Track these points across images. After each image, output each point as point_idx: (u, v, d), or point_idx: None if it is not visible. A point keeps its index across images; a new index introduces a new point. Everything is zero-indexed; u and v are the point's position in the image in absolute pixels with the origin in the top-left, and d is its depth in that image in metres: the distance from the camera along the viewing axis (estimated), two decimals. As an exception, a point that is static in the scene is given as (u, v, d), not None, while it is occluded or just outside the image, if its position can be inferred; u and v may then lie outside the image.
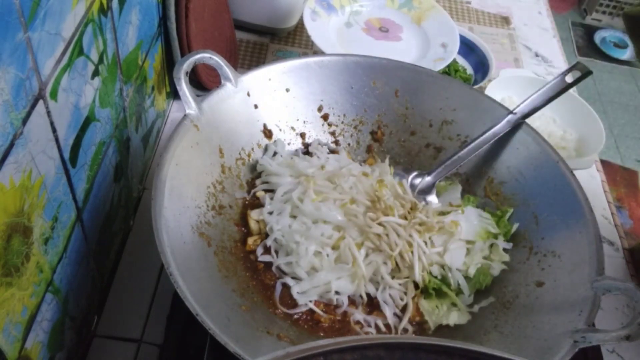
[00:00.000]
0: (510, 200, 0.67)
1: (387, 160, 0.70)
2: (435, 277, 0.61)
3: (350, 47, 0.91)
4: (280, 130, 0.71)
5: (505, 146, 0.69)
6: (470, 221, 0.64)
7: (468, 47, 1.04)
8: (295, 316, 0.57)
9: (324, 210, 0.60)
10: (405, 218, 0.61)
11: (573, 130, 0.91)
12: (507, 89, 0.94)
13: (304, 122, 0.72)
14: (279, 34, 1.05)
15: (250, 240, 0.61)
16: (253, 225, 0.62)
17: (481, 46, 1.04)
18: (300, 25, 1.05)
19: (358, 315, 0.57)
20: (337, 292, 0.58)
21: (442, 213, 0.65)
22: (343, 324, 0.57)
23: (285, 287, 0.58)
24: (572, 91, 0.89)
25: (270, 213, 0.63)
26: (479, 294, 0.61)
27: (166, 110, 0.85)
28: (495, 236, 0.64)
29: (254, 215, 0.63)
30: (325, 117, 0.73)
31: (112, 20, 0.53)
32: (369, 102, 0.73)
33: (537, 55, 1.15)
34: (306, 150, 0.72)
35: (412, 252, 0.59)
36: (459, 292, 0.60)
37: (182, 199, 0.55)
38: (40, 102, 0.40)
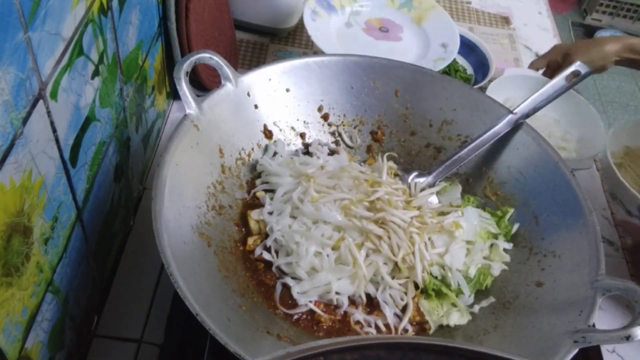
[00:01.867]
0: (510, 200, 0.67)
1: (385, 157, 0.69)
2: (436, 278, 0.61)
3: (350, 47, 0.90)
4: (280, 130, 0.71)
5: (505, 146, 0.69)
6: (471, 221, 0.64)
7: (468, 47, 1.04)
8: (295, 316, 0.57)
9: (324, 210, 0.60)
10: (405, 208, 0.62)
11: (574, 130, 0.90)
12: (509, 88, 0.94)
13: (304, 122, 0.72)
14: (279, 34, 1.05)
15: (250, 240, 0.61)
16: (253, 225, 0.62)
17: (481, 46, 1.04)
18: (300, 25, 1.05)
19: (358, 315, 0.57)
20: (337, 293, 0.58)
21: (442, 213, 0.65)
22: (343, 324, 0.57)
23: (286, 287, 0.58)
24: (573, 91, 0.90)
25: (270, 213, 0.63)
26: (479, 294, 0.61)
27: (166, 111, 0.85)
28: (496, 236, 0.64)
29: (254, 215, 0.63)
30: (325, 117, 0.73)
31: (112, 20, 0.53)
32: (369, 102, 0.73)
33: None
34: (306, 151, 0.72)
35: (413, 254, 0.59)
36: (459, 292, 0.60)
37: (182, 199, 0.55)
38: (41, 102, 0.40)
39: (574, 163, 0.81)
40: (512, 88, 0.94)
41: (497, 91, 0.91)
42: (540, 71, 0.97)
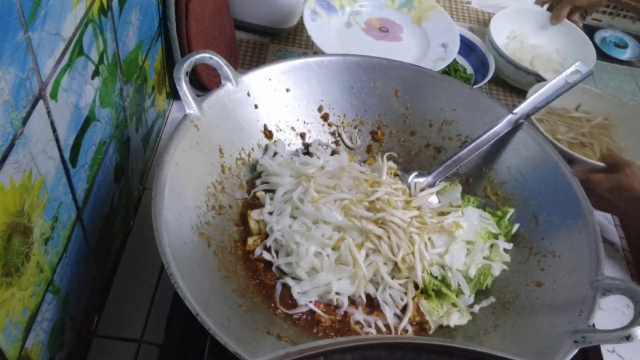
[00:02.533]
0: (510, 200, 0.67)
1: (384, 157, 0.70)
2: (436, 278, 0.61)
3: (350, 47, 0.91)
4: (281, 130, 0.71)
5: (505, 146, 0.69)
6: (471, 221, 0.64)
7: (468, 47, 1.04)
8: (295, 316, 0.57)
9: (324, 211, 0.60)
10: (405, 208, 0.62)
11: (570, 57, 1.02)
12: (514, 21, 1.04)
13: (304, 122, 0.72)
14: (279, 34, 1.05)
15: (250, 240, 0.61)
16: (253, 225, 0.62)
17: (481, 46, 1.04)
18: (300, 25, 1.05)
19: (358, 315, 0.57)
20: (337, 293, 0.58)
21: (442, 213, 0.65)
22: (343, 324, 0.57)
23: (286, 287, 0.58)
24: (572, 25, 1.09)
25: (270, 213, 0.63)
26: (479, 294, 0.61)
27: (166, 110, 0.85)
28: (496, 236, 0.64)
29: (254, 215, 0.63)
30: (325, 117, 0.73)
31: (112, 20, 0.53)
32: (369, 102, 0.73)
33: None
34: (306, 151, 0.72)
35: (413, 254, 0.59)
36: (459, 292, 0.60)
37: (182, 199, 0.55)
38: (41, 102, 0.40)
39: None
40: (517, 21, 1.04)
41: (501, 24, 1.01)
42: (545, 6, 1.06)
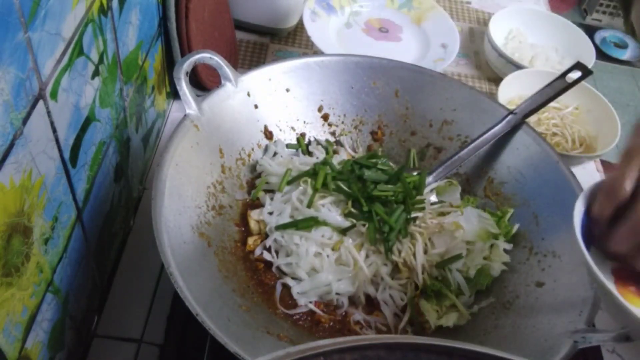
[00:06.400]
0: (510, 200, 0.67)
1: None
2: (435, 278, 0.61)
3: (350, 48, 0.91)
4: (281, 130, 0.71)
5: (505, 146, 0.69)
6: (471, 222, 0.64)
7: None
8: (295, 316, 0.57)
9: (324, 211, 0.60)
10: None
11: (568, 56, 1.03)
12: (512, 21, 1.05)
13: (304, 122, 0.72)
14: (279, 34, 1.05)
15: (250, 240, 0.61)
16: (253, 225, 0.62)
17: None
18: (300, 26, 1.05)
19: (358, 315, 0.57)
20: (337, 293, 0.58)
21: (442, 213, 0.65)
22: (343, 324, 0.57)
23: (285, 287, 0.58)
24: (571, 23, 1.07)
25: (270, 213, 0.63)
26: (479, 294, 0.61)
27: (166, 110, 0.85)
28: (496, 236, 0.64)
29: (254, 215, 0.63)
30: (325, 117, 0.73)
31: (112, 20, 0.53)
32: (369, 102, 0.73)
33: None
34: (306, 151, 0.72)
35: (413, 255, 0.59)
36: (459, 293, 0.60)
37: (182, 199, 0.55)
38: (41, 102, 0.40)
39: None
40: (516, 21, 1.05)
41: (501, 23, 1.02)
42: (545, 6, 1.11)
